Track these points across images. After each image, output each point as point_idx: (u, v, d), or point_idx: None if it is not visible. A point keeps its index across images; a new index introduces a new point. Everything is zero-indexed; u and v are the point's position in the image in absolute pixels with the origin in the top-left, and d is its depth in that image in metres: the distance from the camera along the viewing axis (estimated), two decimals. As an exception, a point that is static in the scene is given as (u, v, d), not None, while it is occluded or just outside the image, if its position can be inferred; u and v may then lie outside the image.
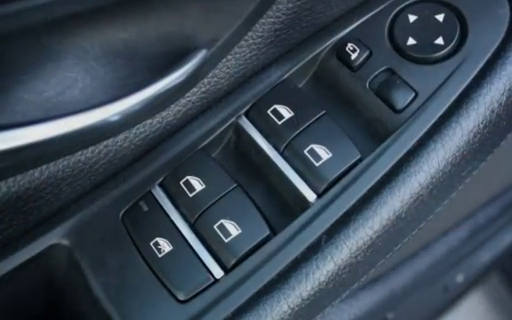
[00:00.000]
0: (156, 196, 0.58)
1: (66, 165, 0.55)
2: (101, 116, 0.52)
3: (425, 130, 0.56)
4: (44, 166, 0.54)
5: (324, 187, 0.56)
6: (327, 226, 0.55)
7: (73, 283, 0.57)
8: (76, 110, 0.51)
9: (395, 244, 0.58)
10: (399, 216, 0.55)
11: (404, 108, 0.57)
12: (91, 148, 0.56)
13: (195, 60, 0.54)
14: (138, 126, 0.57)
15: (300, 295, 0.53)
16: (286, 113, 0.58)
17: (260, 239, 0.54)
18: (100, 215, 0.57)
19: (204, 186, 0.57)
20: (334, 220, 0.55)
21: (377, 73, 0.59)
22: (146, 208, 0.57)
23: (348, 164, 0.56)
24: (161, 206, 0.57)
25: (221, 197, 0.56)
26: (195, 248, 0.55)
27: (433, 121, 0.56)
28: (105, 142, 0.56)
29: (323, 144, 0.56)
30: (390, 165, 0.56)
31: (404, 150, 0.56)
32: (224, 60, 0.58)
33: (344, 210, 0.55)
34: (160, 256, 0.55)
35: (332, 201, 0.55)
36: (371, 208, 0.55)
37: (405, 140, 0.56)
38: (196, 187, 0.57)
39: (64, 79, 0.54)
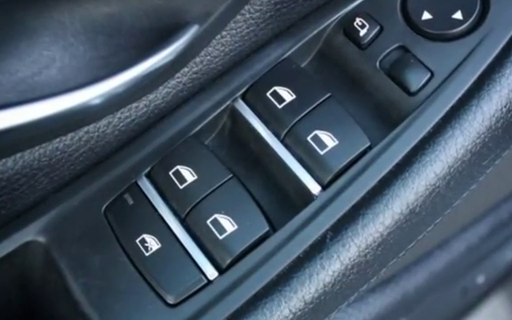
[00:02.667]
0: (143, 188, 0.57)
1: (42, 154, 0.55)
2: (81, 99, 0.52)
3: (442, 114, 0.56)
4: (18, 155, 0.54)
5: (329, 178, 0.55)
6: (333, 221, 0.54)
7: (50, 284, 0.56)
8: (54, 92, 0.51)
9: (408, 241, 0.58)
10: (413, 210, 0.55)
11: (418, 90, 0.57)
12: (70, 135, 0.55)
13: (185, 36, 0.54)
14: (122, 110, 0.57)
15: (303, 298, 0.53)
16: (287, 95, 0.58)
17: (258, 236, 0.54)
18: (81, 209, 0.57)
19: (195, 177, 0.56)
20: (341, 214, 0.55)
21: (388, 51, 0.59)
22: (131, 201, 0.57)
23: (357, 153, 0.56)
24: (148, 199, 0.57)
25: (215, 189, 0.56)
26: (186, 246, 0.55)
27: (451, 104, 0.56)
28: (86, 128, 0.56)
29: (328, 130, 0.56)
30: (403, 154, 0.56)
31: (419, 137, 0.56)
32: (218, 36, 0.58)
33: (352, 203, 0.55)
34: (147, 255, 0.54)
35: (338, 193, 0.55)
36: (381, 201, 0.55)
37: (420, 125, 0.56)
38: (187, 177, 0.56)
39: (40, 58, 0.54)
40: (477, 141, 0.56)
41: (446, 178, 0.56)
